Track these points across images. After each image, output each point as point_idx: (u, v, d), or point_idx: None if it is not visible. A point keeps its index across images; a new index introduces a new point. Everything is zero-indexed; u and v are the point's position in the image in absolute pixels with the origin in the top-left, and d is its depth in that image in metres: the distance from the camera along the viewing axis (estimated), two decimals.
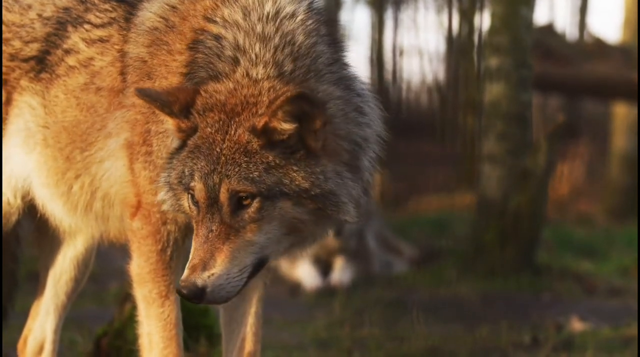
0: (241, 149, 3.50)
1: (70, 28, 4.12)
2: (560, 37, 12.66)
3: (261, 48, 3.63)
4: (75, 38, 4.10)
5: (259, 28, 3.67)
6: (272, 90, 3.55)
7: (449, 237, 10.28)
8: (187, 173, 3.57)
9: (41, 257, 4.59)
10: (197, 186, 3.53)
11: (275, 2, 3.72)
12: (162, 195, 3.68)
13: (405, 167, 13.58)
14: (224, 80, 3.62)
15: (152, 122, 3.84)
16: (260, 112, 3.52)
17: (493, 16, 8.58)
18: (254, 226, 3.50)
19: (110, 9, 4.10)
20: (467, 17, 14.89)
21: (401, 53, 16.37)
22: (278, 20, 3.68)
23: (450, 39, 15.65)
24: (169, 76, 3.81)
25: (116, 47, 4.01)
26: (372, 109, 3.78)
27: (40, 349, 4.58)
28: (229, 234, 3.50)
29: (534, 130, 9.35)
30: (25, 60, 4.16)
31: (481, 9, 14.19)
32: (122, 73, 3.96)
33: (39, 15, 4.18)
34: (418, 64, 16.83)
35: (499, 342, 6.37)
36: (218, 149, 3.52)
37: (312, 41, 3.68)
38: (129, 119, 3.90)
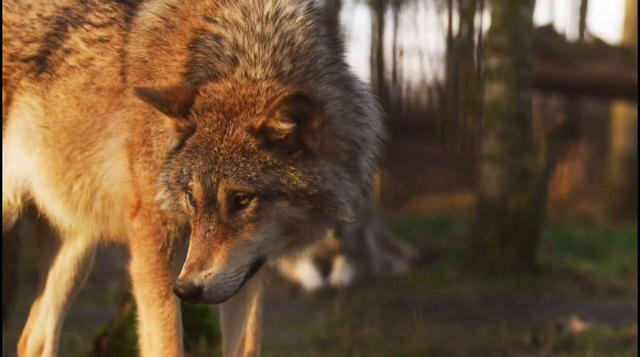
0: (239, 149, 3.51)
1: (70, 28, 4.12)
2: (560, 37, 12.66)
3: (260, 48, 3.64)
4: (75, 38, 4.10)
5: (258, 28, 3.67)
6: (270, 90, 3.55)
7: (449, 237, 10.28)
8: (185, 173, 3.57)
9: (41, 257, 4.59)
10: (195, 185, 3.53)
11: (275, 2, 3.72)
12: (160, 195, 3.69)
13: (405, 167, 13.59)
14: (223, 80, 3.62)
15: (152, 122, 3.84)
16: (258, 112, 3.52)
17: (493, 16, 8.58)
18: (251, 225, 3.50)
19: (110, 9, 4.10)
20: (467, 17, 14.88)
21: (401, 53, 16.36)
22: (278, 20, 3.69)
23: (450, 39, 15.64)
24: (169, 76, 3.82)
25: (116, 47, 4.02)
26: (372, 109, 3.78)
27: (40, 349, 4.58)
28: (226, 234, 3.50)
29: (534, 130, 9.35)
30: (26, 60, 4.16)
31: (481, 9, 14.18)
32: (123, 73, 3.96)
33: (39, 15, 4.19)
34: (418, 64, 16.82)
35: (499, 342, 6.37)
36: (216, 149, 3.52)
37: (312, 41, 3.68)
38: (129, 119, 3.91)
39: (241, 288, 3.57)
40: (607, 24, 29.18)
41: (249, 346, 4.09)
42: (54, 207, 4.16)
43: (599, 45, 12.26)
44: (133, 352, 4.12)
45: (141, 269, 3.91)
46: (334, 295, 8.37)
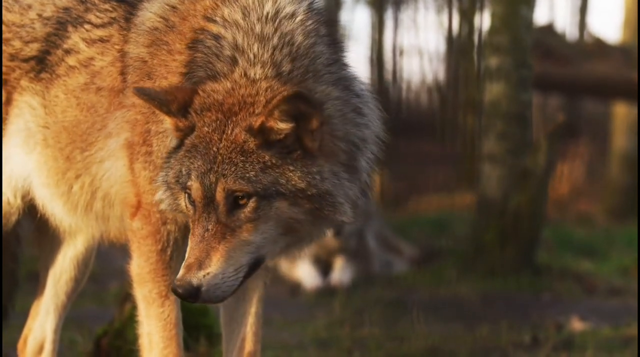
0: (238, 149, 3.51)
1: (70, 28, 4.12)
2: (560, 37, 12.65)
3: (259, 48, 3.64)
4: (75, 38, 4.10)
5: (258, 28, 3.67)
6: (269, 90, 3.55)
7: (449, 237, 10.28)
8: (184, 172, 3.57)
9: (41, 257, 4.59)
10: (194, 185, 3.53)
11: (275, 2, 3.72)
12: (159, 194, 3.69)
13: (405, 167, 13.59)
14: (222, 80, 3.62)
15: (152, 122, 3.84)
16: (257, 111, 3.52)
17: (493, 16, 8.58)
18: (250, 225, 3.50)
19: (110, 9, 4.11)
20: (467, 17, 14.88)
21: (401, 53, 16.35)
22: (277, 20, 3.69)
23: (450, 39, 15.63)
24: (168, 76, 3.82)
25: (116, 47, 4.02)
26: (371, 109, 3.78)
27: (40, 349, 4.58)
28: (225, 234, 3.50)
29: (534, 130, 9.35)
30: (26, 60, 4.16)
31: (481, 9, 14.18)
32: (123, 73, 3.96)
33: (39, 15, 4.19)
34: (418, 64, 16.81)
35: (499, 342, 6.37)
36: (215, 149, 3.53)
37: (311, 41, 3.68)
38: (129, 119, 3.91)
39: (240, 288, 3.57)
40: (607, 24, 29.20)
41: (249, 345, 4.10)
42: (54, 207, 4.16)
43: (599, 45, 12.26)
44: (133, 352, 4.12)
45: (141, 269, 3.91)
46: (334, 295, 8.37)
